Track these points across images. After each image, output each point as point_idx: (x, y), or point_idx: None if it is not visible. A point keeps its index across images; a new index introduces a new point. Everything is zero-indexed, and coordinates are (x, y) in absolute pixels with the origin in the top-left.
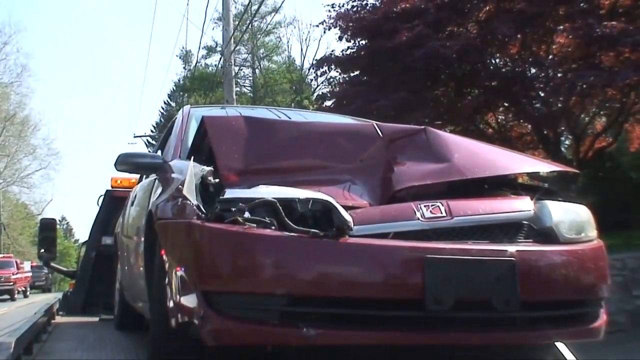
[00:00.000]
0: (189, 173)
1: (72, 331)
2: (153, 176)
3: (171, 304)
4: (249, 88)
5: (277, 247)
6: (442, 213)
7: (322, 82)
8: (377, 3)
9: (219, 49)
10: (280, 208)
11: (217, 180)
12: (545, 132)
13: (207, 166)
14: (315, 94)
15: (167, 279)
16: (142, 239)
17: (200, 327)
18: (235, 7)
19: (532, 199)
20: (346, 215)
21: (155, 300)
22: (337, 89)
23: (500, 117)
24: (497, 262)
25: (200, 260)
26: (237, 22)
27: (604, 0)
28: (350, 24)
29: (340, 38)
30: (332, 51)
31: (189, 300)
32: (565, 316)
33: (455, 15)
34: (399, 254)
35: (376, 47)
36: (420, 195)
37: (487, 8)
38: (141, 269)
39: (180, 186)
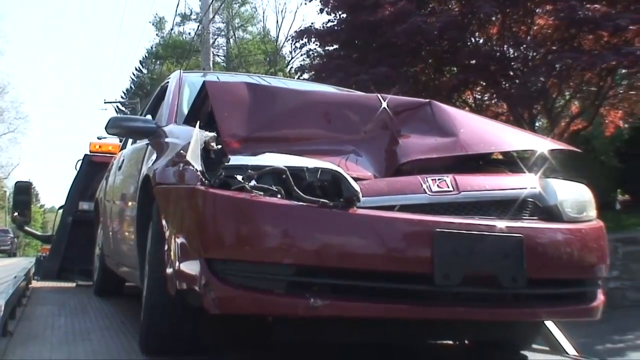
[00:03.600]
0: (194, 138)
1: (51, 296)
2: (144, 141)
3: (170, 270)
4: (223, 58)
5: (285, 216)
6: (448, 187)
7: (297, 55)
8: None
9: (193, 16)
10: (290, 176)
11: (219, 146)
12: (520, 112)
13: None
14: (290, 67)
15: (166, 245)
16: (134, 204)
17: (203, 295)
18: None
19: (536, 176)
20: (355, 185)
21: (152, 266)
22: (316, 61)
23: (477, 95)
24: (505, 238)
25: (204, 227)
26: None
27: None
28: None
29: (321, 10)
30: (312, 23)
31: (191, 268)
32: (567, 294)
33: None
34: (408, 227)
35: (357, 21)
36: (424, 169)
37: None
38: (129, 234)
39: (182, 151)
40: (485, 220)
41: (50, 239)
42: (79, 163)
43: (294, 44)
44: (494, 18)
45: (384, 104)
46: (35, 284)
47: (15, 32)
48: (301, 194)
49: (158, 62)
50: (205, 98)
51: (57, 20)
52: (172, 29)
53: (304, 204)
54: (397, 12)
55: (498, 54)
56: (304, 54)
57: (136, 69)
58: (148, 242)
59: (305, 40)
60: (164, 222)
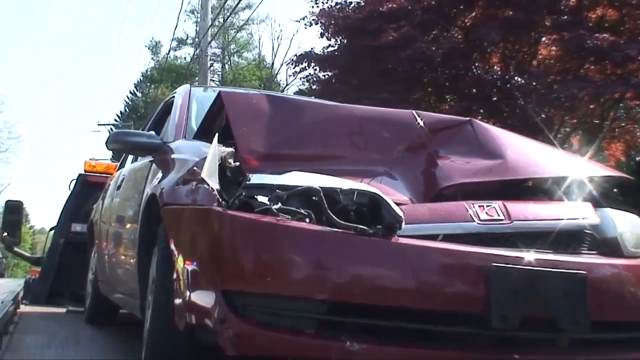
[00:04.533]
0: (212, 153)
1: (40, 323)
2: (146, 159)
3: (179, 301)
4: (218, 83)
5: (318, 244)
6: (499, 215)
7: (292, 82)
8: (362, 2)
9: (189, 41)
10: (323, 198)
11: (237, 163)
12: None
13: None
14: (286, 92)
15: (175, 273)
16: (135, 226)
17: (218, 332)
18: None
19: (590, 204)
20: (398, 210)
21: (157, 296)
22: (315, 86)
23: None
24: (568, 275)
25: (222, 254)
26: (213, 15)
27: (591, 13)
28: (333, 21)
29: (322, 35)
30: (312, 48)
31: (204, 300)
32: (632, 339)
33: (441, 19)
34: (462, 260)
35: (359, 46)
36: (467, 194)
37: (474, 14)
38: (128, 259)
39: (195, 168)
40: (545, 255)
41: (40, 261)
42: (73, 183)
43: (294, 68)
44: (496, 47)
45: (420, 122)
46: (23, 308)
47: (9, 52)
48: (336, 218)
49: (153, 86)
50: (219, 111)
51: (53, 41)
52: (167, 54)
53: (340, 230)
54: (401, 38)
55: (499, 82)
56: (303, 78)
57: (130, 92)
58: (152, 269)
59: (305, 64)
60: (172, 247)
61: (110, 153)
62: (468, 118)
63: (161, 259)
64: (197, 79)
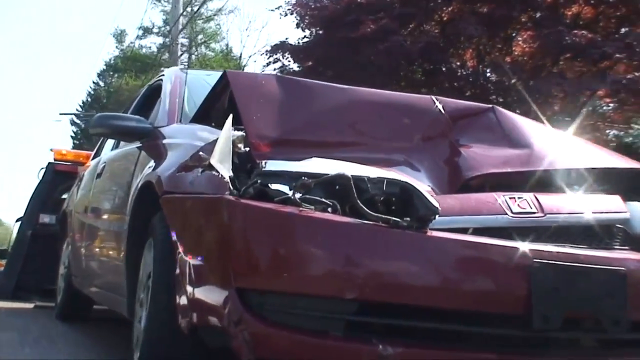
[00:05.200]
0: (225, 137)
1: (8, 320)
2: (132, 145)
3: (183, 300)
4: None
5: (347, 237)
6: (531, 208)
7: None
8: None
9: (155, 30)
10: (354, 187)
11: (246, 149)
12: None
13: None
14: None
15: (177, 268)
16: (123, 216)
17: (233, 335)
18: None
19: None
20: (434, 201)
21: (156, 293)
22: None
23: None
24: (608, 272)
25: (238, 248)
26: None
27: (567, 10)
28: (309, 12)
29: (297, 26)
30: (287, 38)
31: (214, 298)
32: None
33: (420, 13)
34: (504, 256)
35: (336, 38)
36: (494, 185)
37: (451, 8)
38: (113, 252)
39: (202, 153)
40: (584, 250)
41: (4, 254)
42: (42, 172)
43: (267, 59)
44: (471, 42)
45: (441, 108)
46: None
47: None
48: (367, 210)
49: (116, 75)
50: (222, 92)
51: (14, 29)
52: (132, 43)
53: (371, 222)
54: (379, 30)
55: (471, 78)
56: (277, 69)
57: (93, 82)
58: (144, 263)
59: (279, 55)
60: (174, 240)
61: (71, 142)
62: (490, 105)
63: (160, 253)
64: (164, 68)
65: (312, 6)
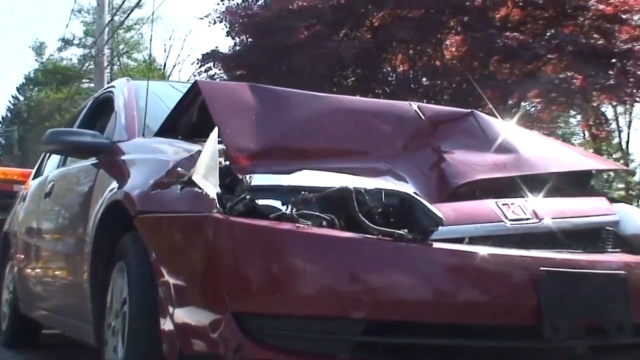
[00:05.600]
0: (210, 151)
1: None
2: (87, 161)
3: (169, 326)
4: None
5: (351, 253)
6: (526, 214)
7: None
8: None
9: (76, 42)
10: (355, 200)
11: (226, 162)
12: None
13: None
14: None
15: (161, 293)
16: (85, 237)
17: None
18: None
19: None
20: (437, 212)
21: (134, 320)
22: None
23: None
24: (609, 277)
25: (233, 270)
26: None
27: (495, 13)
28: (240, 20)
29: (227, 34)
30: (217, 47)
31: (207, 324)
32: None
33: (353, 18)
34: (513, 266)
35: (268, 45)
36: (481, 192)
37: (382, 14)
38: (74, 276)
39: (180, 169)
40: (583, 255)
41: None
42: None
43: (199, 68)
44: (403, 47)
45: (420, 113)
46: None
47: None
48: (369, 224)
49: (37, 89)
50: (190, 104)
51: None
52: (52, 55)
53: (374, 237)
54: (312, 37)
55: (402, 83)
56: (207, 79)
57: (12, 97)
58: (113, 287)
59: (210, 64)
60: (154, 260)
61: None
62: (469, 110)
63: (137, 277)
64: (86, 80)
65: (243, 14)
